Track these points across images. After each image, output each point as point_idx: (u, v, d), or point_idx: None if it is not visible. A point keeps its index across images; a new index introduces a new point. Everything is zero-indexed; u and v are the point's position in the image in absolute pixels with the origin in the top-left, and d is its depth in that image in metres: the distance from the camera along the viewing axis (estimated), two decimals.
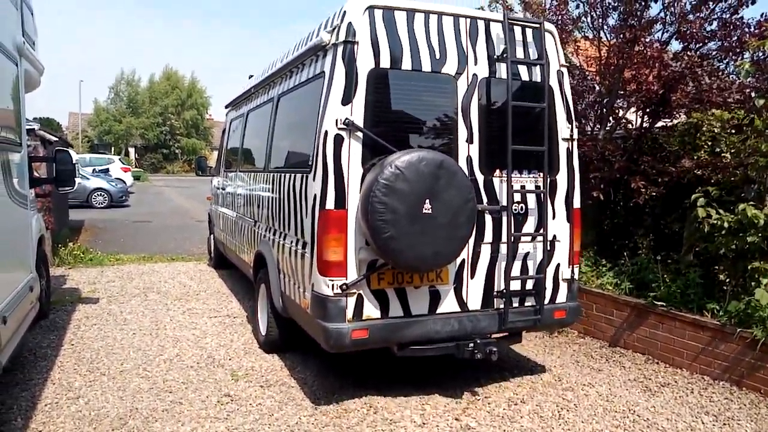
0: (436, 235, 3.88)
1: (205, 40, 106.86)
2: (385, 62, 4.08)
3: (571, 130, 4.68)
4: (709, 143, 5.62)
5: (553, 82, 4.59)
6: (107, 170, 25.96)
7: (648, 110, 6.27)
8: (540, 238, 4.46)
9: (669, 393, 4.48)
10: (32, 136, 9.56)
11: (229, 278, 8.54)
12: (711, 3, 5.88)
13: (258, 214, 5.93)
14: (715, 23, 5.96)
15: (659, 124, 6.39)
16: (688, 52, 6.09)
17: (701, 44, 6.03)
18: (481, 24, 4.38)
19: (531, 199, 4.48)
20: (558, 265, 4.64)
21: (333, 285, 3.97)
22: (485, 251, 4.37)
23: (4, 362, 3.70)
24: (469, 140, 4.31)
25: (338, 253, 3.98)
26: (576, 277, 4.73)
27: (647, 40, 6.21)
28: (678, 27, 6.00)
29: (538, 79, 4.47)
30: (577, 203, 4.71)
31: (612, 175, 6.11)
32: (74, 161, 6.09)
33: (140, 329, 5.91)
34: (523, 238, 4.46)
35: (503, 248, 4.38)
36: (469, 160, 4.30)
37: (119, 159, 31.68)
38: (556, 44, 4.65)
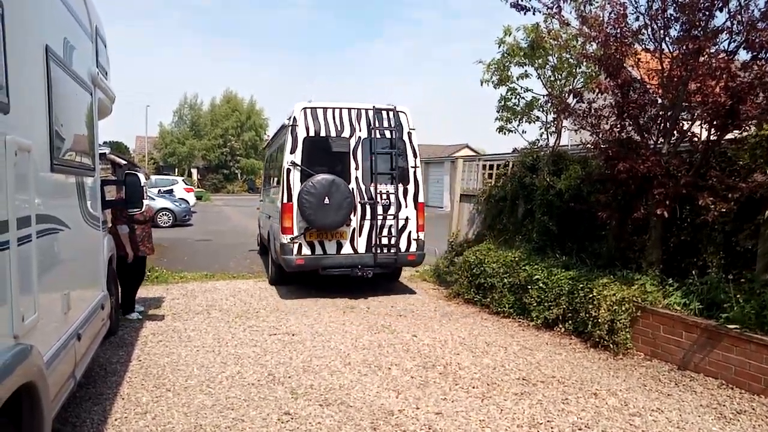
0: (331, 214, 8.05)
1: (262, 61, 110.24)
2: (312, 133, 8.34)
3: (415, 163, 8.71)
4: None
5: (405, 138, 8.67)
6: (171, 191, 26.98)
7: (715, 123, 6.00)
8: (396, 217, 8.57)
9: (746, 421, 4.23)
10: (104, 160, 10.06)
11: (288, 296, 8.69)
12: None
13: (269, 212, 10.23)
14: None
15: (728, 136, 6.11)
16: (758, 62, 5.81)
17: None
18: (362, 111, 8.55)
19: (392, 198, 8.58)
20: (410, 232, 8.69)
21: (287, 238, 8.27)
22: (366, 224, 8.53)
23: (79, 377, 3.87)
24: (357, 168, 8.50)
25: (289, 223, 8.27)
26: (421, 238, 8.77)
27: (712, 50, 5.98)
28: (746, 36, 5.74)
29: (395, 137, 8.55)
30: (421, 199, 8.78)
31: (678, 190, 5.87)
32: (142, 184, 6.37)
33: (203, 346, 6.07)
34: (388, 217, 8.58)
35: (376, 222, 8.50)
36: (356, 178, 8.50)
37: (182, 180, 32.89)
38: (407, 117, 8.74)
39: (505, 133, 9.99)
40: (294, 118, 8.31)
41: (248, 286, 9.60)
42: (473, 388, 4.89)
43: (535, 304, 6.93)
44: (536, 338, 6.47)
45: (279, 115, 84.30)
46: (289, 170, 8.23)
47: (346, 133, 8.44)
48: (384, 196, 8.50)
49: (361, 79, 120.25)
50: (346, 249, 8.46)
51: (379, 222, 8.48)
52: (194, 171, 54.96)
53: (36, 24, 3.15)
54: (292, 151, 8.24)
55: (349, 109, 8.50)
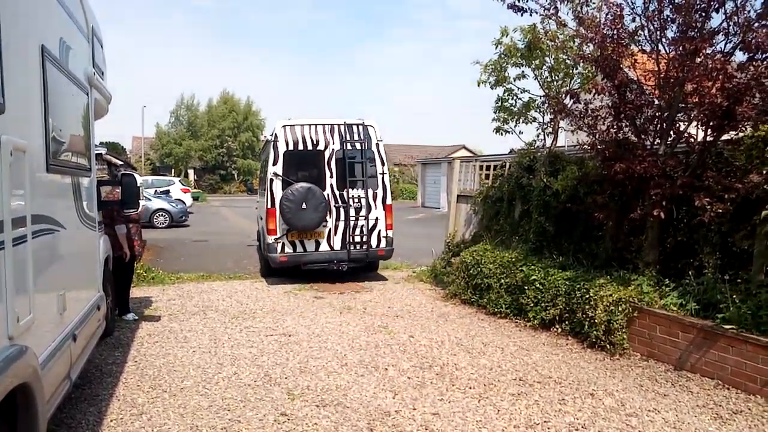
0: (308, 217, 9.25)
1: (261, 63, 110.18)
2: (291, 147, 9.59)
3: (383, 170, 9.92)
4: None
5: (374, 148, 9.92)
6: (168, 192, 26.90)
7: (711, 124, 6.01)
8: (366, 218, 9.79)
9: (742, 421, 4.24)
10: (99, 160, 10.02)
11: (284, 296, 8.68)
12: None
13: (261, 213, 11.20)
14: None
15: (724, 137, 6.13)
16: (754, 63, 5.83)
17: None
18: (335, 126, 9.78)
19: (363, 201, 9.80)
20: (380, 231, 9.86)
21: (272, 238, 9.52)
22: (341, 224, 9.74)
23: (74, 378, 3.86)
24: (331, 177, 9.71)
25: (273, 225, 9.48)
26: (390, 235, 9.92)
27: (709, 51, 5.99)
28: (742, 37, 5.76)
29: (365, 148, 9.82)
30: (389, 201, 9.98)
31: (674, 191, 5.88)
32: (138, 184, 6.34)
33: (199, 347, 6.06)
34: (360, 218, 9.78)
35: (349, 223, 9.70)
36: (331, 185, 9.70)
37: (179, 180, 32.76)
38: (375, 130, 9.95)
39: (502, 134, 9.97)
40: (275, 134, 9.59)
41: (245, 286, 9.59)
42: (470, 388, 4.89)
43: (531, 305, 6.93)
44: (533, 339, 6.47)
45: (276, 116, 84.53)
46: (272, 180, 9.49)
47: (321, 146, 9.68)
48: (356, 200, 9.75)
49: (361, 79, 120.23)
50: (324, 247, 9.72)
51: (352, 222, 9.71)
52: (191, 172, 54.77)
53: (32, 24, 3.14)
54: (275, 163, 9.49)
55: (324, 125, 9.76)
